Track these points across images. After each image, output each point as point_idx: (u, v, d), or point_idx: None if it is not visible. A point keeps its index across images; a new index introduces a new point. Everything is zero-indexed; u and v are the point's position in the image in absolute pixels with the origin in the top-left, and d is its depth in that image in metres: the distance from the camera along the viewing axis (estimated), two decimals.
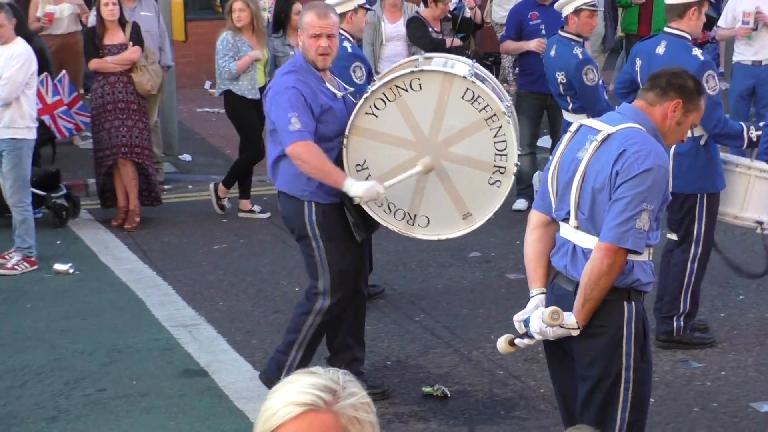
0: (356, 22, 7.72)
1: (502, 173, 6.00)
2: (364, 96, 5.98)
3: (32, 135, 8.86)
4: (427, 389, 6.48)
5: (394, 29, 11.20)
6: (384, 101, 5.96)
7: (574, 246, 4.53)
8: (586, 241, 4.48)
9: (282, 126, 5.86)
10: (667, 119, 4.57)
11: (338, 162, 5.99)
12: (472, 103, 5.92)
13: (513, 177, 6.04)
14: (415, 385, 6.59)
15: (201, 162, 12.22)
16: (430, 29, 10.90)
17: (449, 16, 11.13)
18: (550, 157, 4.76)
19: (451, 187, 6.05)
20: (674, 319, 7.02)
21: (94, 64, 9.87)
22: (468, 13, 11.56)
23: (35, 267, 8.79)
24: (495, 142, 5.97)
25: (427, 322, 7.60)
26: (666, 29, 7.04)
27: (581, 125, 4.66)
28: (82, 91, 12.65)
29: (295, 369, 5.98)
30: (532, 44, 10.20)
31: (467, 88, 5.91)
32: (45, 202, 9.91)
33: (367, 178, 5.98)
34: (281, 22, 10.16)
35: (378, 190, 5.82)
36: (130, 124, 9.84)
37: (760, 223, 6.56)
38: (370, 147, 6.00)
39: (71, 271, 8.71)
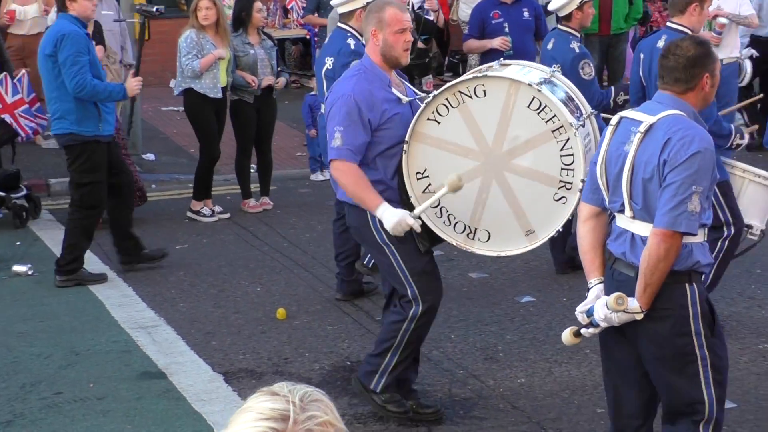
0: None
1: (568, 189, 5.69)
2: (426, 101, 5.72)
3: None
4: None
5: None
6: (447, 107, 5.70)
7: (633, 234, 4.64)
8: (643, 229, 4.59)
9: (329, 138, 5.70)
10: (703, 92, 4.67)
11: (399, 168, 5.77)
12: (538, 113, 5.66)
13: (579, 194, 5.50)
14: None
15: (165, 161, 12.17)
16: None
17: (412, 17, 11.12)
18: (595, 151, 4.80)
19: (514, 201, 5.78)
20: None
21: None
22: (431, 16, 11.55)
23: None
24: (561, 156, 5.68)
25: None
26: (668, 24, 7.22)
27: (621, 118, 4.73)
28: None
29: (390, 373, 5.91)
30: (496, 42, 10.20)
31: (534, 97, 5.64)
32: (5, 203, 9.82)
33: (427, 187, 5.75)
34: (242, 20, 10.11)
35: (406, 223, 5.56)
36: None
37: (749, 227, 6.56)
38: (432, 154, 5.74)
39: (30, 272, 8.64)
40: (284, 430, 2.17)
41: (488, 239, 5.88)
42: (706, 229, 4.63)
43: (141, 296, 8.15)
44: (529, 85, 5.66)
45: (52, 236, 9.64)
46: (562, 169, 5.71)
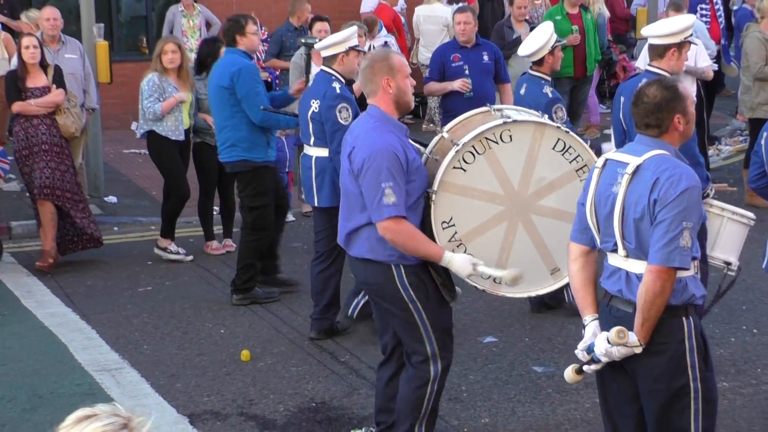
0: (347, 64, 7.93)
1: None
2: (455, 149, 5.71)
3: None
4: (355, 431, 6.50)
5: None
6: (473, 154, 5.74)
7: (627, 272, 4.76)
8: (638, 266, 4.72)
9: (373, 196, 5.44)
10: (678, 132, 4.80)
11: (424, 219, 5.67)
12: (563, 154, 5.87)
13: None
14: (340, 426, 6.60)
15: (127, 204, 12.17)
16: None
17: None
18: (582, 192, 4.96)
19: (540, 241, 5.90)
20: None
21: (17, 106, 9.82)
22: None
23: None
24: None
25: (353, 363, 7.61)
26: (648, 67, 7.46)
27: (607, 160, 4.89)
28: (6, 133, 12.58)
29: None
30: (456, 84, 10.34)
31: (559, 139, 5.85)
32: None
33: (453, 236, 5.71)
34: (207, 65, 10.16)
35: (471, 265, 5.58)
36: (53, 166, 9.78)
37: (728, 264, 6.68)
38: (458, 202, 5.73)
39: None
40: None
41: None
42: (697, 262, 4.76)
43: (105, 339, 8.13)
44: (557, 127, 5.89)
45: (13, 279, 9.62)
46: None
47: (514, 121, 5.83)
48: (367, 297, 7.76)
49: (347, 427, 6.56)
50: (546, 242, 5.92)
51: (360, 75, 5.80)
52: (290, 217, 11.62)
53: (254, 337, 8.18)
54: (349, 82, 8.12)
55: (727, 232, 6.69)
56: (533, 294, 6.07)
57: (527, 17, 13.09)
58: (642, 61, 12.58)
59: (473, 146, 5.74)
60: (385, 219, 5.43)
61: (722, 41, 14.36)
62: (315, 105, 7.85)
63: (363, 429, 6.49)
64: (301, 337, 8.14)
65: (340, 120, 7.63)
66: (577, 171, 5.90)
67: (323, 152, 7.85)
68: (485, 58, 10.36)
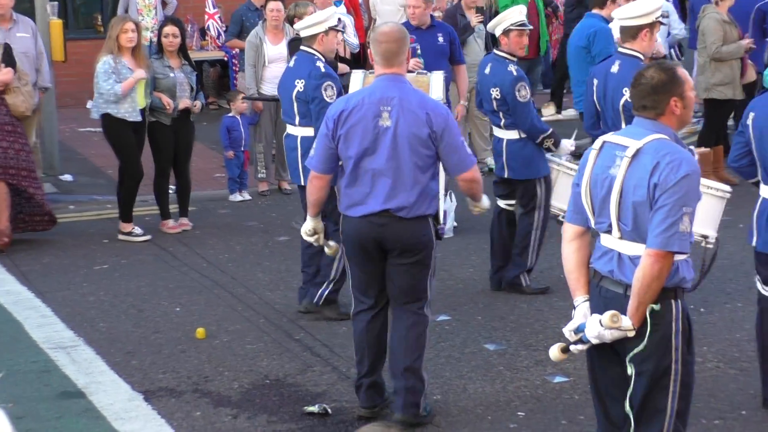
0: (327, 43, 8.04)
1: None
2: None
3: None
4: (310, 408, 6.57)
5: (277, 51, 11.32)
6: None
7: (620, 254, 4.83)
8: (631, 248, 4.79)
9: (458, 149, 6.11)
10: (675, 115, 4.84)
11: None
12: None
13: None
14: (294, 403, 6.68)
15: (83, 182, 12.16)
16: None
17: None
18: (577, 173, 5.03)
19: None
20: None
21: None
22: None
23: None
24: None
25: (307, 341, 7.70)
26: (620, 49, 7.67)
27: (604, 142, 4.92)
28: None
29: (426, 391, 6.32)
30: (410, 63, 10.38)
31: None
32: None
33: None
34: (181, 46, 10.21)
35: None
36: (4, 146, 9.74)
37: (705, 237, 6.78)
38: None
39: None
40: None
41: None
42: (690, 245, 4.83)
43: (60, 317, 8.16)
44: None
45: None
46: None
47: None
48: (331, 286, 7.95)
49: (301, 404, 6.65)
50: None
51: (390, 46, 6.15)
52: (246, 196, 11.68)
53: (210, 315, 8.24)
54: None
55: (704, 206, 6.81)
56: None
57: (480, 5, 13.12)
58: None
59: None
60: (473, 167, 6.16)
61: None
62: (300, 85, 7.93)
63: (317, 406, 6.58)
64: (257, 315, 8.21)
65: (326, 98, 7.75)
66: None
67: (309, 131, 7.91)
68: (440, 39, 10.38)
